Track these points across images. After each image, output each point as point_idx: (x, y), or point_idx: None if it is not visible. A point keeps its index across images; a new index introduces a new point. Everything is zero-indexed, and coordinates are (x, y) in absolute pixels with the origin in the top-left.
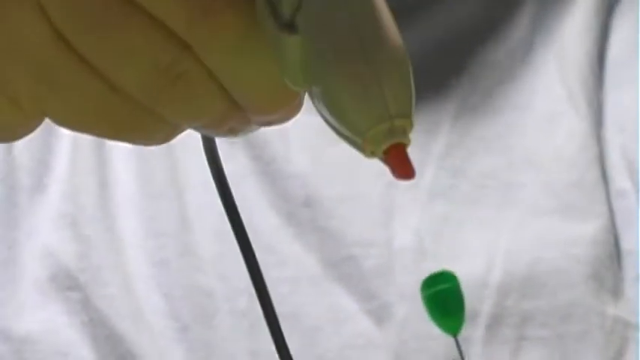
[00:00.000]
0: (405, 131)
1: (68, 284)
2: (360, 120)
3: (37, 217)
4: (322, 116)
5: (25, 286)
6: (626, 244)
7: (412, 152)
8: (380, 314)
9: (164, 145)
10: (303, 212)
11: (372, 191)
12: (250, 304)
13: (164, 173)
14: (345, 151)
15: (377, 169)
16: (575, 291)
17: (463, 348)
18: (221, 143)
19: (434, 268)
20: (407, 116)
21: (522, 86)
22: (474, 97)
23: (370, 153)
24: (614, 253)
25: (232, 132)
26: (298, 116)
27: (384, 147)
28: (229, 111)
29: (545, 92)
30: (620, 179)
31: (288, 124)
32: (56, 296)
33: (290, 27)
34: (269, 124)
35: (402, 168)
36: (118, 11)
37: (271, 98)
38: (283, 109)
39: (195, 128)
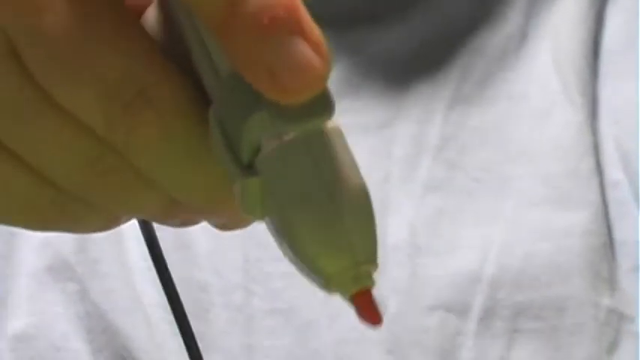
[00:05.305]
0: (370, 275)
1: (66, 275)
2: (325, 266)
3: None
4: (280, 246)
5: (21, 281)
6: (619, 235)
7: (407, 144)
8: None
9: None
10: None
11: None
12: (245, 299)
13: None
14: None
15: (370, 163)
16: (570, 283)
17: (456, 342)
18: None
19: (428, 263)
20: (373, 261)
21: (516, 76)
22: (467, 88)
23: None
24: (608, 243)
25: (186, 224)
26: None
27: (351, 293)
28: (171, 206)
29: (539, 82)
30: (613, 171)
31: None
32: (53, 286)
33: (249, 169)
34: (224, 227)
35: (369, 314)
36: (33, 101)
37: (210, 199)
38: (226, 211)
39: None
